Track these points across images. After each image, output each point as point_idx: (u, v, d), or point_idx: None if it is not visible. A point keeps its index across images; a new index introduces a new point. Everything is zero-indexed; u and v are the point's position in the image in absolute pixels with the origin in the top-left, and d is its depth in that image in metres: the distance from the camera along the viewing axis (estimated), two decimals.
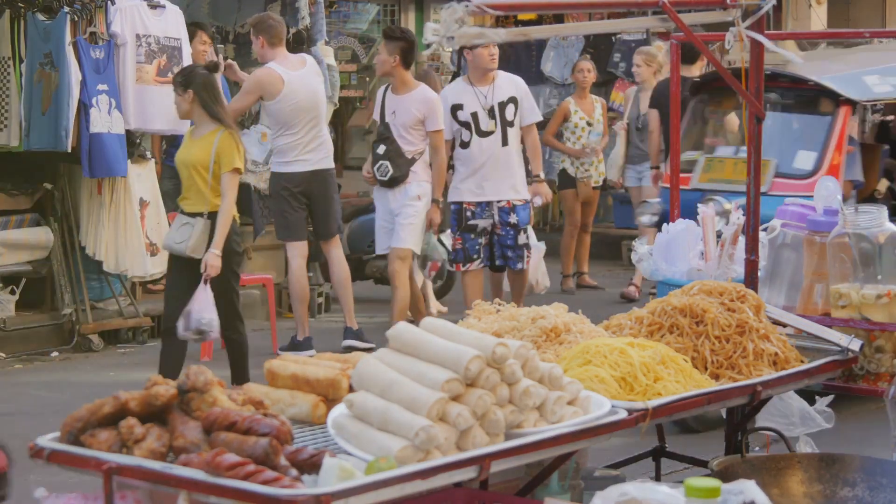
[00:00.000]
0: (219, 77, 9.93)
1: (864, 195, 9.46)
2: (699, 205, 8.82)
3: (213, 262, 7.82)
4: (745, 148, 9.04)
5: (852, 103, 8.82)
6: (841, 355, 4.83)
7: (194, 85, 7.90)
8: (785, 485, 4.48)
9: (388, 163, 9.51)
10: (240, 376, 8.00)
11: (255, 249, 11.72)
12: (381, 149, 9.53)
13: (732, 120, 9.56)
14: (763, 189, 8.19)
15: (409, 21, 15.48)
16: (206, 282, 7.80)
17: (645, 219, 9.21)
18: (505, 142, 9.58)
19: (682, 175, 8.71)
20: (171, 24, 10.27)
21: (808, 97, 9.62)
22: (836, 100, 8.77)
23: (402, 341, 3.80)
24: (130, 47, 9.93)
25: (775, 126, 10.38)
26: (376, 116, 9.81)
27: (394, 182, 9.53)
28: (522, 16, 14.83)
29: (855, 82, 8.91)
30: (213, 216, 7.87)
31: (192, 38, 10.63)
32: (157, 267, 10.72)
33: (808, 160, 8.75)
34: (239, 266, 8.17)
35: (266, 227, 11.34)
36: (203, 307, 7.78)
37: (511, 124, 9.62)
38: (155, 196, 10.62)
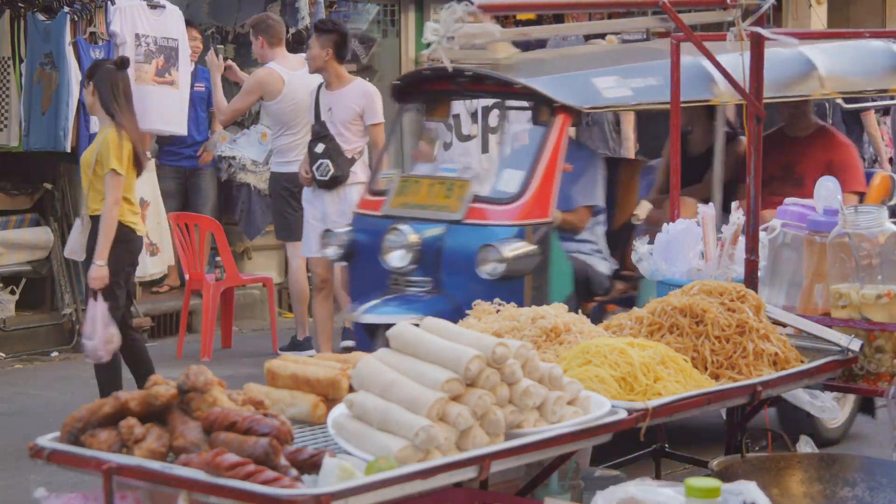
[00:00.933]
0: (185, 74, 9.95)
1: (622, 220, 7.94)
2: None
3: (93, 273, 7.40)
4: (444, 166, 7.56)
5: (571, 111, 7.06)
6: (841, 355, 4.83)
7: (95, 78, 7.59)
8: (785, 485, 4.48)
9: (328, 161, 9.05)
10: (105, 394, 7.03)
11: (254, 249, 11.74)
12: (320, 148, 9.07)
13: (437, 131, 8.09)
14: (457, 217, 6.94)
15: (409, 21, 15.47)
16: (94, 297, 7.43)
17: (329, 251, 7.60)
18: (485, 149, 9.22)
19: (375, 198, 7.49)
20: (171, 24, 10.27)
21: (519, 104, 8.10)
22: (552, 107, 7.05)
23: (402, 341, 3.80)
24: (130, 47, 9.94)
25: (478, 140, 9.03)
26: (311, 116, 9.36)
27: (335, 182, 9.05)
28: (522, 16, 14.83)
29: (579, 85, 7.19)
30: (93, 220, 7.49)
31: None
32: (157, 267, 10.75)
33: (513, 181, 7.09)
34: (114, 277, 7.45)
35: (266, 227, 11.34)
36: (89, 328, 7.47)
37: (494, 131, 9.19)
38: (155, 196, 10.64)
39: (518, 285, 6.73)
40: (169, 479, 3.41)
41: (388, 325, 6.55)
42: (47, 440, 3.68)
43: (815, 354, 4.81)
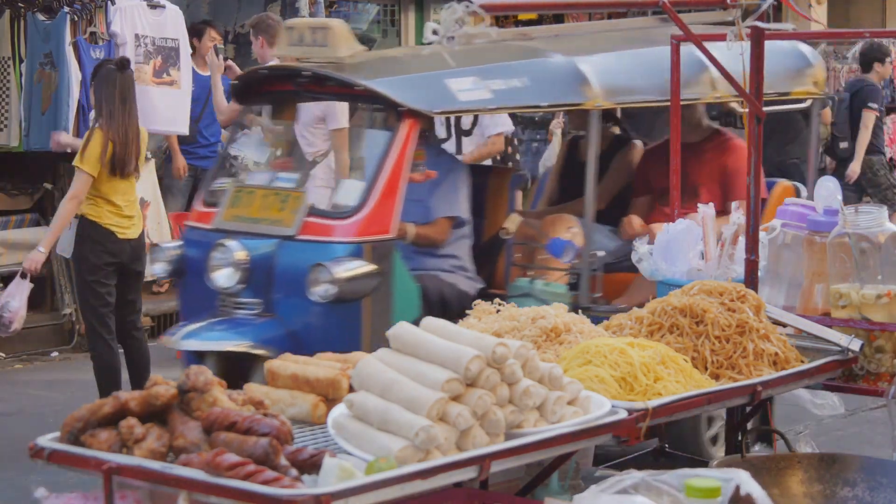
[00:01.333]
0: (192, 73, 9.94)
1: (491, 234, 7.23)
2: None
3: (31, 256, 7.52)
4: (282, 175, 6.66)
5: (420, 115, 6.29)
6: (841, 355, 4.83)
7: (95, 78, 7.65)
8: (785, 485, 4.48)
9: None
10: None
11: None
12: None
13: (281, 134, 7.34)
14: (289, 232, 6.20)
15: (409, 21, 15.47)
16: (22, 276, 7.52)
17: (157, 268, 6.72)
18: (458, 152, 8.85)
19: (208, 210, 6.70)
20: (170, 24, 10.28)
21: (363, 108, 7.54)
22: (397, 111, 6.34)
23: (402, 341, 3.80)
24: (130, 47, 9.94)
25: (317, 146, 8.53)
26: None
27: None
28: (523, 16, 14.84)
29: (431, 87, 6.40)
30: (79, 218, 7.55)
31: (201, 34, 10.69)
32: None
33: (352, 193, 6.35)
34: (93, 276, 7.52)
35: None
36: (8, 294, 7.59)
37: (467, 133, 8.88)
38: (155, 196, 10.63)
39: (355, 308, 6.05)
40: (169, 479, 3.41)
41: (215, 353, 6.01)
42: (47, 440, 3.68)
43: (815, 354, 4.81)
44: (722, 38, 5.07)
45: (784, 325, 4.85)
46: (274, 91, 6.97)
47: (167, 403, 3.63)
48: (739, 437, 5.04)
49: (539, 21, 14.40)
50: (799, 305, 5.24)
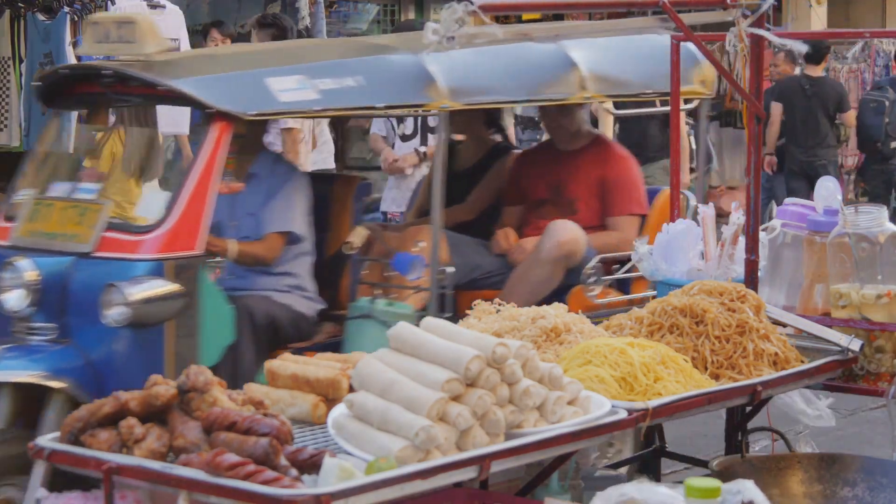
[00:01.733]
0: None
1: (335, 248, 6.62)
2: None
3: None
4: (84, 185, 6.02)
5: (232, 118, 5.64)
6: (841, 355, 4.83)
7: None
8: (785, 485, 4.48)
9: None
10: None
11: None
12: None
13: (91, 139, 6.63)
14: (86, 248, 5.58)
15: None
16: None
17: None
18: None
19: (5, 225, 5.94)
20: (171, 24, 10.28)
21: (164, 108, 6.98)
22: (206, 113, 5.71)
23: (402, 341, 3.80)
24: None
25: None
26: None
27: None
28: (527, 16, 14.84)
29: (248, 87, 5.80)
30: None
31: (206, 34, 10.74)
32: None
33: (154, 205, 5.77)
34: None
35: None
36: None
37: (433, 130, 8.63)
38: None
39: (156, 333, 5.45)
40: (169, 479, 3.41)
41: (8, 384, 5.33)
42: (47, 440, 3.68)
43: (815, 354, 4.81)
44: (722, 38, 5.08)
45: (784, 325, 4.85)
46: (82, 93, 6.33)
47: (167, 403, 3.63)
48: (739, 437, 5.04)
49: (541, 21, 14.41)
50: (799, 305, 5.24)
